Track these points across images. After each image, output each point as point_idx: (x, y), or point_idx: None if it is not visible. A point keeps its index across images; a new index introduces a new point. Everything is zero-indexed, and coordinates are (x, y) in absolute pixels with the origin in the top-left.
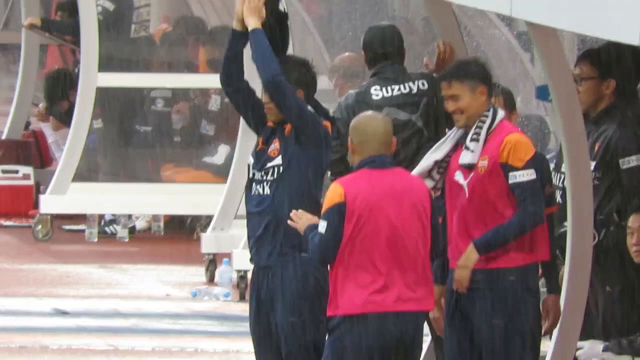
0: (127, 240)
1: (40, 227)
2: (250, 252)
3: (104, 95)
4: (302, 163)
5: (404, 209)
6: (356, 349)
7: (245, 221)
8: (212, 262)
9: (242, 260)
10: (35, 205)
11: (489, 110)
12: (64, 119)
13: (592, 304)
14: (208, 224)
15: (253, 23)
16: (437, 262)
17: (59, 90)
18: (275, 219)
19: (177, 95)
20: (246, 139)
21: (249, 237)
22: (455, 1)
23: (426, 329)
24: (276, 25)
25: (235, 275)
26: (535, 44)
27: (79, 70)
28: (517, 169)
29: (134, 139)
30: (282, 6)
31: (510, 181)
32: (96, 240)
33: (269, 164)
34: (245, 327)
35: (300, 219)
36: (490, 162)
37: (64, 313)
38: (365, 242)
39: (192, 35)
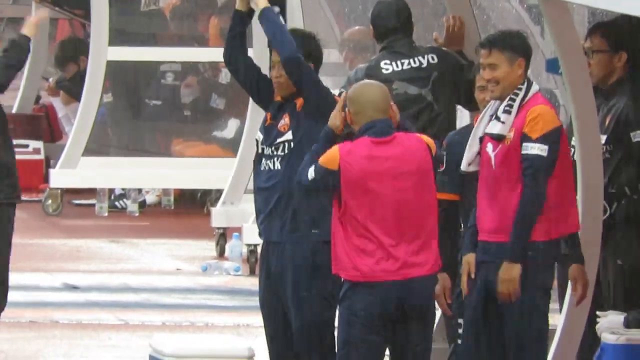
0: (137, 214)
1: (50, 201)
2: (260, 227)
3: (114, 69)
4: (314, 138)
5: (404, 176)
6: (364, 316)
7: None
8: (223, 237)
9: (253, 234)
10: (46, 179)
11: (523, 83)
12: (74, 92)
13: (602, 275)
14: (218, 198)
15: (263, 2)
16: (468, 231)
17: (70, 51)
18: (286, 194)
19: (187, 69)
20: (256, 113)
21: (258, 212)
22: None
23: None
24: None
25: (245, 250)
26: (546, 17)
27: (89, 44)
28: (530, 140)
29: (143, 113)
30: None
31: (522, 151)
32: (106, 214)
33: (279, 139)
34: (256, 301)
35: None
36: (516, 134)
37: (74, 288)
38: (366, 211)
39: (202, 8)
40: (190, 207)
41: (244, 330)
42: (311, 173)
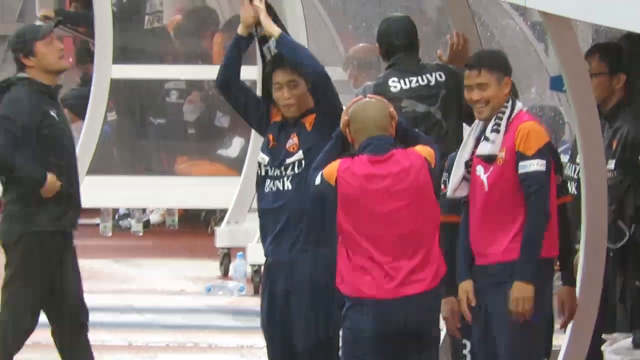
0: (141, 234)
1: None
2: (268, 247)
3: (118, 87)
4: None
5: (401, 193)
6: (366, 336)
7: None
8: (227, 256)
9: (257, 254)
10: None
11: (508, 101)
12: (78, 110)
13: (619, 297)
14: (222, 218)
15: (276, 29)
16: (461, 257)
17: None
18: (298, 213)
19: (192, 87)
20: None
21: (265, 234)
22: None
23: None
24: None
25: (249, 270)
26: (550, 34)
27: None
28: (527, 158)
29: (148, 132)
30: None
31: (519, 171)
32: (110, 234)
33: (289, 160)
34: (259, 321)
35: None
36: (507, 153)
37: None
38: (363, 229)
39: (205, 26)
40: (194, 226)
41: (248, 352)
42: (318, 179)
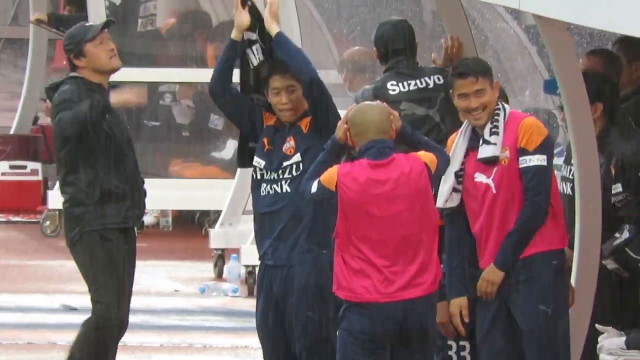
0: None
1: (48, 222)
2: (267, 250)
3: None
4: None
5: (401, 198)
6: (361, 338)
7: (252, 217)
8: (221, 258)
9: (251, 255)
10: (44, 200)
11: (498, 104)
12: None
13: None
14: (216, 220)
15: (276, 27)
16: (454, 273)
17: None
18: (297, 216)
19: (186, 90)
20: None
21: (262, 237)
22: None
23: None
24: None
25: (243, 271)
26: (544, 37)
27: None
28: (528, 153)
29: (142, 134)
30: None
31: (520, 165)
32: None
33: (287, 163)
34: (254, 322)
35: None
36: (512, 151)
37: (72, 309)
38: (363, 233)
39: (198, 29)
40: (188, 228)
41: (242, 352)
42: (314, 187)
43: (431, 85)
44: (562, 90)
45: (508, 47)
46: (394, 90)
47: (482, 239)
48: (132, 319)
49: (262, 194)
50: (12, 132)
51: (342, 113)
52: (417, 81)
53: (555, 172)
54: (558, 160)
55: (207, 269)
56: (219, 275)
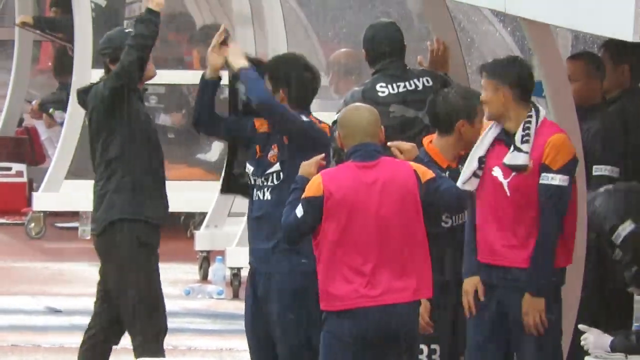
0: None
1: (33, 224)
2: (252, 255)
3: None
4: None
5: (389, 201)
6: (344, 341)
7: (238, 219)
8: (206, 260)
9: (236, 257)
10: (29, 202)
11: (531, 110)
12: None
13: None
14: (202, 222)
15: (242, 62)
16: (467, 252)
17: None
18: (276, 224)
19: (170, 92)
20: None
21: (250, 242)
22: None
23: None
24: None
25: (228, 273)
26: (529, 40)
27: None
28: (551, 171)
29: None
30: None
31: (541, 181)
32: (89, 237)
33: (269, 170)
34: (239, 324)
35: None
36: (535, 164)
37: (57, 311)
38: (349, 238)
39: (181, 31)
40: (173, 230)
41: (227, 354)
42: (299, 211)
43: (420, 87)
44: (548, 92)
45: (494, 50)
46: (383, 92)
47: (481, 231)
48: None
49: (253, 199)
50: None
51: (328, 115)
52: (407, 83)
53: None
54: None
55: (192, 271)
56: (204, 278)
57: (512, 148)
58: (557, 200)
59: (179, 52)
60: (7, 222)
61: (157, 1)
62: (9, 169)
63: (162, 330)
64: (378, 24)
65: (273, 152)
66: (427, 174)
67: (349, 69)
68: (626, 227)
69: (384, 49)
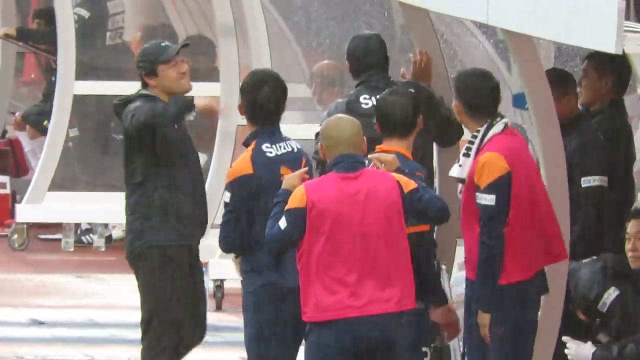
0: (103, 249)
1: (16, 236)
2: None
3: (80, 103)
4: None
5: (372, 212)
6: (328, 352)
7: None
8: None
9: (219, 269)
10: (12, 214)
11: (482, 126)
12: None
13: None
14: None
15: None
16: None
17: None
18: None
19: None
20: (223, 147)
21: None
22: (432, 8)
23: None
24: None
25: (212, 285)
26: (512, 52)
27: (55, 79)
28: (479, 190)
29: (110, 148)
30: None
31: (476, 200)
32: (72, 249)
33: None
34: (222, 337)
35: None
36: (469, 180)
37: (40, 323)
38: (333, 249)
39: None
40: None
41: None
42: (283, 223)
43: None
44: (531, 104)
45: (477, 62)
46: (366, 104)
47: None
48: (100, 332)
49: None
50: None
51: (311, 126)
52: None
53: None
54: None
55: None
56: None
57: (458, 160)
58: (486, 220)
59: None
60: None
61: (203, 104)
62: None
63: (169, 347)
64: (361, 36)
65: None
66: (409, 184)
67: (332, 80)
68: (611, 294)
69: (368, 61)
